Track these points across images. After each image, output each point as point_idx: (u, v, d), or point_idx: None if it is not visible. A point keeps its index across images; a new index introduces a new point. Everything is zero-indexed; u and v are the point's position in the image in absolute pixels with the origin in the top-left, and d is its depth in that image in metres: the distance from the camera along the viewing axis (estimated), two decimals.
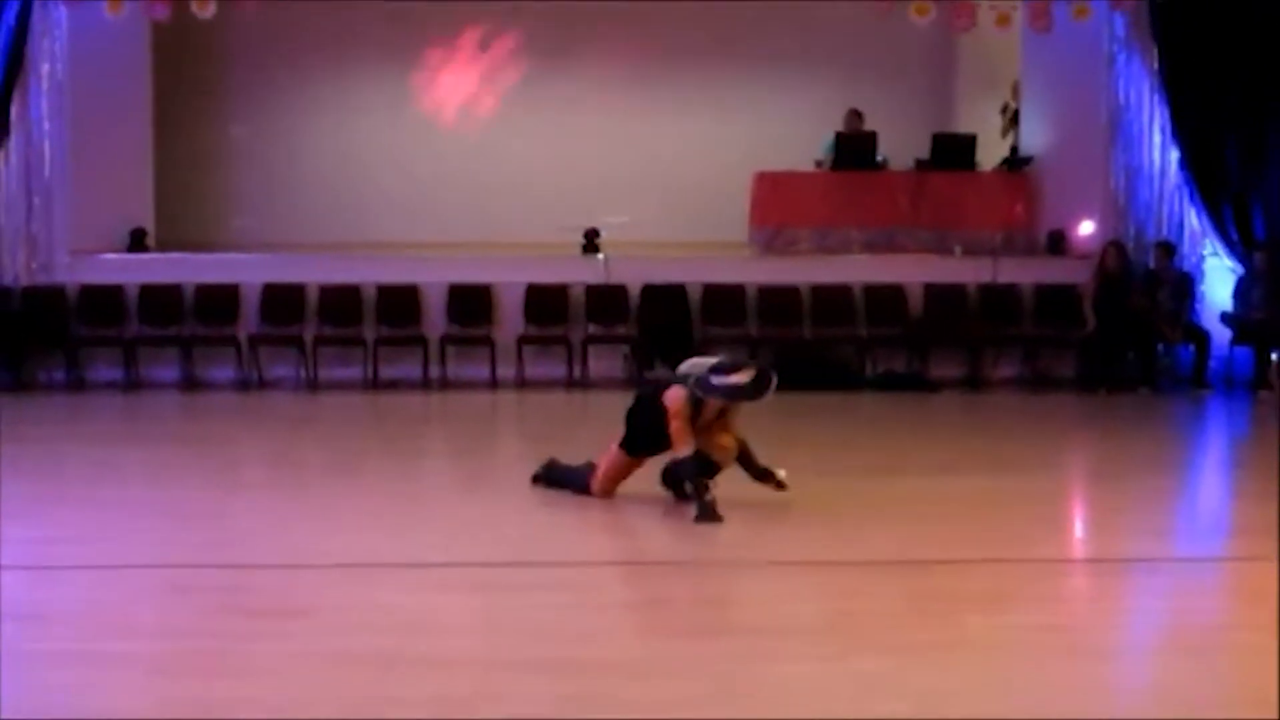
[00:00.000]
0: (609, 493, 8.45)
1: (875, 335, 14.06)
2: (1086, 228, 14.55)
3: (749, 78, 17.20)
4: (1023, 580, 6.85)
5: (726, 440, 8.21)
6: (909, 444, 10.97)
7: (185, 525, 7.91)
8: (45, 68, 13.81)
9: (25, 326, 13.59)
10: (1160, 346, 14.05)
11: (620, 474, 8.43)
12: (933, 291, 14.22)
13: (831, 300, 14.16)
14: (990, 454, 10.37)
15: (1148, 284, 13.93)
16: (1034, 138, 15.39)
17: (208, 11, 12.71)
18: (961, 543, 7.55)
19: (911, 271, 14.35)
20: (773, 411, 12.75)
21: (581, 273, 14.10)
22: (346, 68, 17.04)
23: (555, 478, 8.67)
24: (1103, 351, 13.78)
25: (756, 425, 11.83)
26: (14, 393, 13.09)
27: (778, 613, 6.27)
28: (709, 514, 7.86)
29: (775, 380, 8.15)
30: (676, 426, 8.03)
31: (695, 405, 8.07)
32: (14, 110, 13.70)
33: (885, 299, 14.18)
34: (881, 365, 14.00)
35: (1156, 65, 14.20)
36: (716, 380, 8.00)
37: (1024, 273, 14.39)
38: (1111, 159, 14.47)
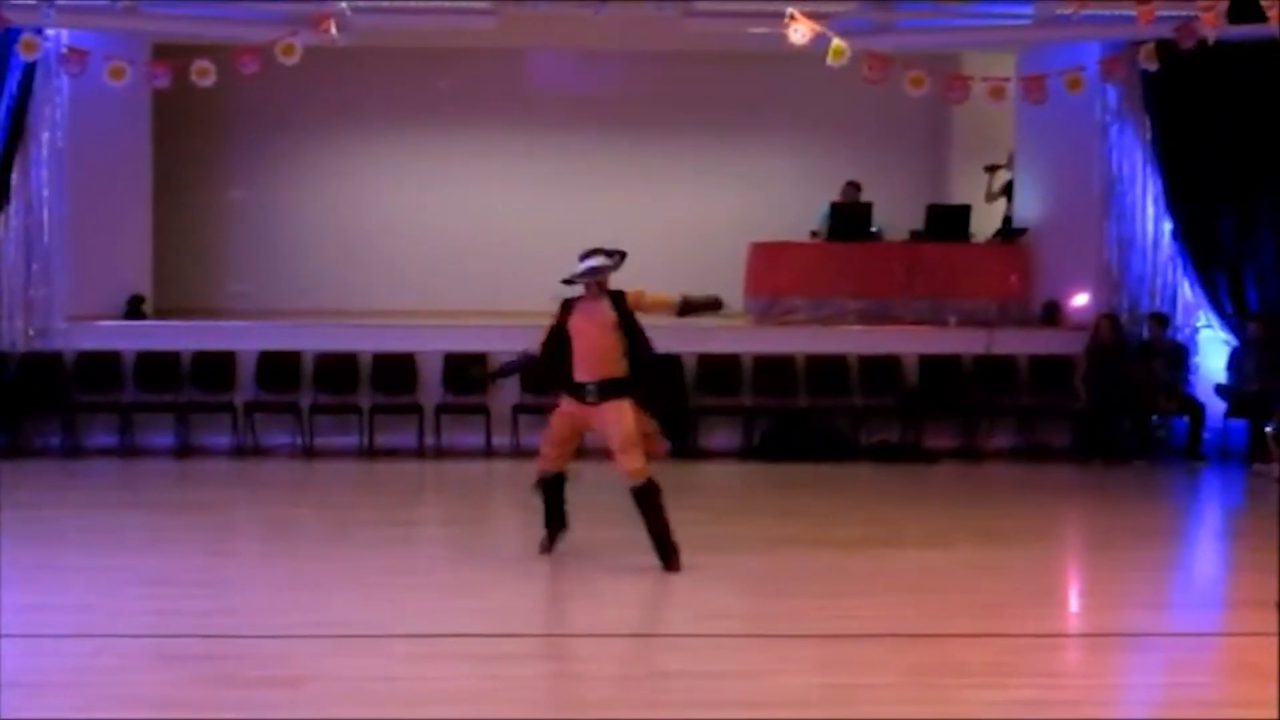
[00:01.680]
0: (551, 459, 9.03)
1: (870, 405, 14.07)
2: (1081, 299, 14.59)
3: (744, 148, 17.24)
4: (1020, 654, 6.84)
5: (652, 444, 8.72)
6: (904, 515, 10.95)
7: (180, 593, 7.91)
8: (46, 135, 13.86)
9: (22, 392, 13.59)
10: (1155, 418, 14.06)
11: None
12: (928, 362, 14.24)
13: (826, 370, 14.17)
14: (986, 526, 10.34)
15: (1142, 355, 13.97)
16: (1028, 208, 15.47)
17: (207, 79, 12.75)
18: (958, 616, 7.54)
19: (906, 342, 14.37)
20: (767, 482, 12.88)
21: None
22: (345, 136, 17.10)
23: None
24: (1098, 422, 13.81)
25: (753, 496, 11.80)
26: (11, 458, 13.05)
27: (772, 687, 6.26)
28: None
29: (624, 256, 9.00)
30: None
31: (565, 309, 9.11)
32: (14, 177, 13.76)
33: (880, 369, 14.19)
34: (876, 435, 14.00)
35: (1149, 136, 14.29)
36: (581, 265, 8.97)
37: (1019, 343, 14.39)
38: (1105, 230, 14.50)
